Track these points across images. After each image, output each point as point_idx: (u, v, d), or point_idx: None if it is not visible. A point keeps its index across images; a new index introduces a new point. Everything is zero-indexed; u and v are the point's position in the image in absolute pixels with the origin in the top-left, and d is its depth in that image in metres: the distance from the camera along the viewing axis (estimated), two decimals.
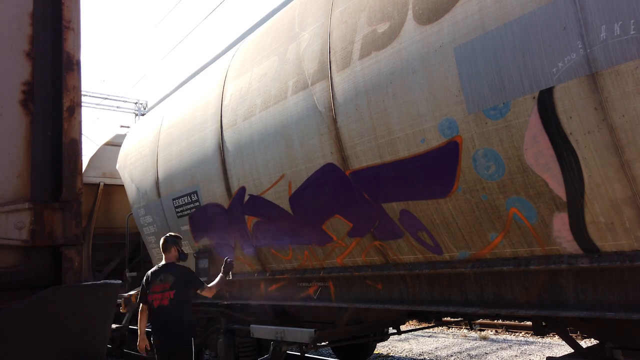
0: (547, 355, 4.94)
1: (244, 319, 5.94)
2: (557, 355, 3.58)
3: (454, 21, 3.12)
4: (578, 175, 2.71)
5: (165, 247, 4.70)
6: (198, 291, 4.67)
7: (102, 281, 2.77)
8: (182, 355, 4.45)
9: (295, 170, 4.38)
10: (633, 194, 2.57)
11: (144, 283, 4.68)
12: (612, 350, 3.40)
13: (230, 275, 5.16)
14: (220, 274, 4.96)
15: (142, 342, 4.60)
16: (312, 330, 4.83)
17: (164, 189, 6.51)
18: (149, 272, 4.71)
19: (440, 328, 10.60)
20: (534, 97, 2.76)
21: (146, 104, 20.89)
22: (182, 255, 4.80)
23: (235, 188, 5.16)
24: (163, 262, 4.72)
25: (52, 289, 2.41)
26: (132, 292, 7.17)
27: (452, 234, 3.46)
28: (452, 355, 7.92)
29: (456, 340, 9.32)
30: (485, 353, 7.93)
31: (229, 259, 5.09)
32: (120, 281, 3.01)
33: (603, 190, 2.65)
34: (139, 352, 4.61)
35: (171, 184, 6.30)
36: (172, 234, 4.90)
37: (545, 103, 2.72)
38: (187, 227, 6.25)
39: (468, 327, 10.06)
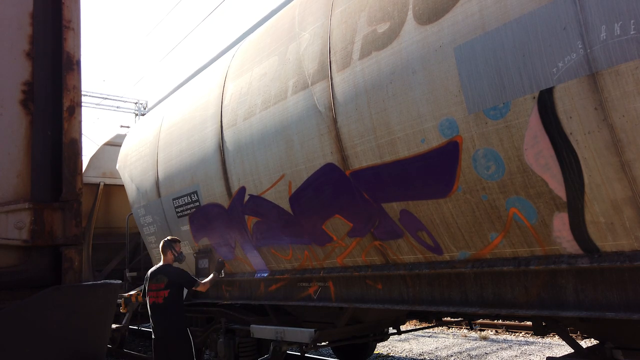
0: (547, 355, 4.94)
1: (244, 319, 5.94)
2: (557, 355, 3.58)
3: (454, 21, 3.12)
4: (578, 175, 2.71)
5: (163, 250, 5.15)
6: (193, 288, 5.05)
7: (102, 281, 2.77)
8: (177, 351, 4.78)
9: (295, 170, 4.38)
10: (633, 194, 2.57)
11: (145, 278, 5.14)
12: (612, 350, 3.40)
13: (223, 274, 5.56)
14: (214, 272, 5.42)
15: None
16: (312, 330, 4.83)
17: (164, 189, 6.51)
18: (149, 271, 5.14)
19: (440, 328, 10.60)
20: (534, 97, 2.76)
21: (146, 104, 20.88)
22: (179, 257, 5.20)
23: (235, 188, 5.16)
24: (161, 263, 5.14)
25: (52, 289, 2.41)
26: (132, 292, 7.17)
27: (452, 234, 3.46)
28: (452, 356, 7.92)
29: (456, 340, 9.32)
30: (486, 353, 7.93)
31: (220, 259, 5.56)
32: (120, 281, 3.01)
33: (603, 190, 2.65)
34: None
35: (171, 184, 6.30)
36: (170, 237, 5.28)
37: (546, 103, 2.72)
38: (187, 227, 6.26)
39: (468, 327, 10.06)
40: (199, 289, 5.11)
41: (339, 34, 4.00)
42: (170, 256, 5.10)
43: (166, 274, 4.94)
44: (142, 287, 5.20)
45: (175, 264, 5.25)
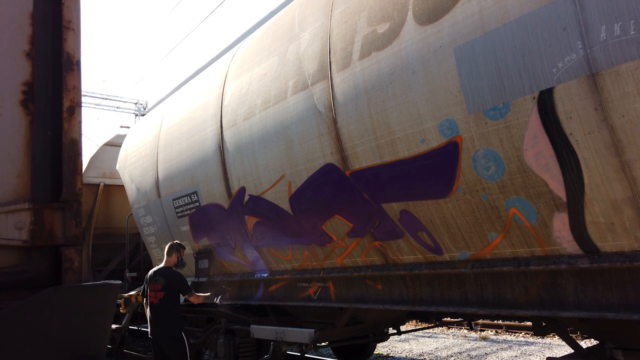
0: (547, 356, 4.94)
1: (244, 319, 5.94)
2: (557, 356, 3.58)
3: (454, 21, 3.12)
4: (578, 176, 2.71)
5: (168, 251, 5.27)
6: (185, 296, 5.17)
7: (102, 281, 2.77)
8: (171, 351, 4.91)
9: (295, 170, 4.38)
10: (633, 194, 2.57)
11: (145, 279, 5.27)
12: (612, 350, 3.40)
13: (217, 300, 5.84)
14: (213, 293, 5.67)
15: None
16: (312, 330, 4.83)
17: (164, 189, 6.51)
18: (152, 270, 5.27)
19: (440, 328, 10.59)
20: (534, 98, 2.76)
21: (146, 104, 20.87)
22: (180, 263, 5.37)
23: (235, 188, 5.16)
24: (162, 264, 5.26)
25: (52, 289, 2.41)
26: (132, 292, 7.18)
27: (452, 234, 3.46)
28: (452, 356, 7.92)
29: (456, 340, 9.32)
30: (486, 353, 7.93)
31: (224, 287, 5.84)
32: (120, 281, 3.02)
33: (603, 191, 2.65)
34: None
35: (171, 184, 6.30)
36: (178, 242, 5.46)
37: (545, 103, 2.72)
38: (187, 228, 6.25)
39: (468, 328, 10.06)
40: (191, 299, 5.24)
41: (339, 34, 4.00)
42: (174, 259, 5.24)
43: (165, 276, 5.06)
44: (142, 287, 5.33)
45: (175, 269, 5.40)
